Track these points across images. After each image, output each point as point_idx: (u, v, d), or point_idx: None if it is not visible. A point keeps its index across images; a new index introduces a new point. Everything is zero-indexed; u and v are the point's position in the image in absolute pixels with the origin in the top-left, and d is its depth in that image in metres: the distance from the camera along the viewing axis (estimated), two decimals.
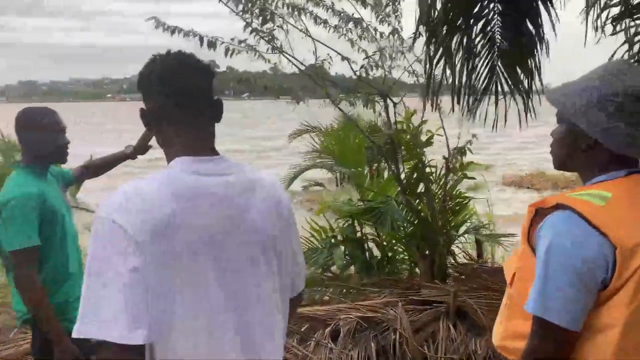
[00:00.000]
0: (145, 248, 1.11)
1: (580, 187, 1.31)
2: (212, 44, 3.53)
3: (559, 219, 1.21)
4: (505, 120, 3.87)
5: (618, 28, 2.71)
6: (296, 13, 3.80)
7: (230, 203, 1.23)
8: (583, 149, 1.29)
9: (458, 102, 3.48)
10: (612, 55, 2.66)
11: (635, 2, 2.67)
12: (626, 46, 2.58)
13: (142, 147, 2.64)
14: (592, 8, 2.64)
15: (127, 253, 1.10)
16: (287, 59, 3.78)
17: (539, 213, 1.27)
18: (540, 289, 1.22)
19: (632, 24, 2.66)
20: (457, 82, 3.37)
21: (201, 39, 3.53)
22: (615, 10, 2.75)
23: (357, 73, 3.98)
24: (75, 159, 2.64)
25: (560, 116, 1.33)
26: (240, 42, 3.67)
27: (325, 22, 4.02)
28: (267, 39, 3.64)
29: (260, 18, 3.54)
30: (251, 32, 3.61)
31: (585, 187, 1.29)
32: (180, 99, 1.24)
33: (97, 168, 2.76)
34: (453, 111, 3.35)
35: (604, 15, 2.72)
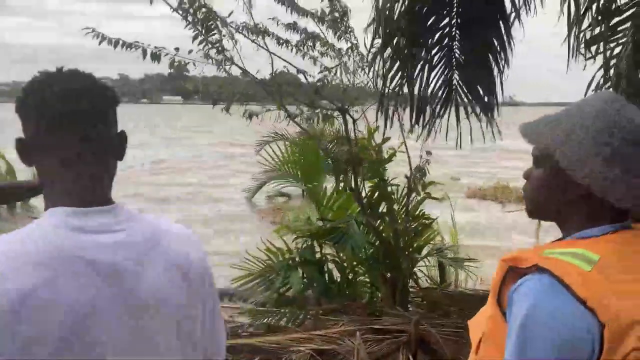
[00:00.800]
0: None
1: (561, 242, 1.11)
2: (155, 56, 3.29)
3: (537, 285, 1.01)
4: (460, 137, 3.75)
5: (594, 51, 2.57)
6: (255, 34, 3.65)
7: (117, 269, 0.94)
8: (571, 199, 1.08)
9: (410, 119, 3.34)
10: (591, 81, 2.51)
11: (610, 24, 2.52)
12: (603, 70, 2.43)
13: None
14: (572, 29, 2.48)
15: None
16: (240, 68, 3.55)
17: (512, 269, 1.07)
18: None
19: (609, 46, 2.51)
20: (413, 95, 3.23)
21: (144, 51, 3.28)
22: (593, 32, 2.60)
23: (316, 85, 3.78)
24: None
25: (541, 156, 1.12)
26: (190, 52, 3.44)
27: (287, 42, 3.95)
28: (218, 48, 3.40)
29: (204, 28, 3.31)
30: (199, 43, 3.38)
31: (568, 241, 1.09)
32: (63, 131, 0.96)
33: None
34: (395, 119, 3.19)
35: (582, 34, 2.58)
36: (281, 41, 3.90)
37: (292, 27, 3.90)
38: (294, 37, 3.99)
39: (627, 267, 1.02)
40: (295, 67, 3.66)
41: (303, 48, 3.93)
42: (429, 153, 3.96)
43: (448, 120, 3.85)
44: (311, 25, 4.07)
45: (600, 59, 2.45)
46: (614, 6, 2.44)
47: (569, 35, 2.45)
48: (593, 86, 2.40)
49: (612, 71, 2.36)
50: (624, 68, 2.24)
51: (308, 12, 4.00)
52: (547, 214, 1.16)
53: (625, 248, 1.04)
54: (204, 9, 3.28)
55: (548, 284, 0.99)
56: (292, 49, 3.95)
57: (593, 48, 2.47)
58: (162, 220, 1.08)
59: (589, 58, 2.48)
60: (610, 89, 2.41)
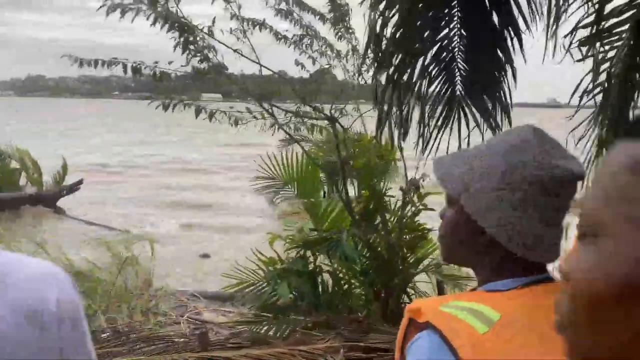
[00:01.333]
0: None
1: (470, 293, 1.01)
2: (136, 70, 3.28)
3: (428, 344, 0.90)
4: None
5: (586, 52, 2.34)
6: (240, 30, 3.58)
7: None
8: (478, 246, 0.97)
9: (401, 135, 3.16)
10: (579, 85, 2.30)
11: (606, 25, 2.30)
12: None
13: None
14: (555, 27, 2.27)
15: None
16: (225, 74, 3.46)
17: (412, 323, 0.96)
18: None
19: (602, 49, 2.29)
20: (409, 112, 3.04)
21: (124, 67, 3.28)
22: (584, 32, 2.38)
23: (306, 91, 3.65)
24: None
25: (451, 199, 1.01)
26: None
27: (285, 37, 3.86)
28: (201, 57, 3.36)
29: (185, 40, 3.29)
30: (183, 52, 3.34)
31: (476, 293, 0.99)
32: None
33: None
34: (401, 141, 3.00)
35: (571, 34, 2.36)
36: (279, 36, 3.83)
37: (286, 14, 3.80)
38: (291, 33, 3.91)
39: (528, 327, 0.87)
40: (275, 72, 3.55)
41: (302, 46, 3.85)
42: (425, 175, 3.73)
43: (451, 130, 3.66)
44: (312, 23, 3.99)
45: (589, 63, 2.23)
46: (608, 8, 2.20)
47: (552, 35, 2.23)
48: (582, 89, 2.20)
49: (603, 74, 2.16)
50: (620, 68, 2.03)
51: (309, 8, 3.92)
52: (458, 260, 1.07)
53: (530, 305, 0.91)
54: (182, 21, 3.25)
55: (437, 343, 0.89)
56: (290, 45, 3.86)
57: (583, 51, 2.25)
58: (15, 258, 0.94)
59: (579, 60, 2.26)
60: (601, 94, 2.20)
